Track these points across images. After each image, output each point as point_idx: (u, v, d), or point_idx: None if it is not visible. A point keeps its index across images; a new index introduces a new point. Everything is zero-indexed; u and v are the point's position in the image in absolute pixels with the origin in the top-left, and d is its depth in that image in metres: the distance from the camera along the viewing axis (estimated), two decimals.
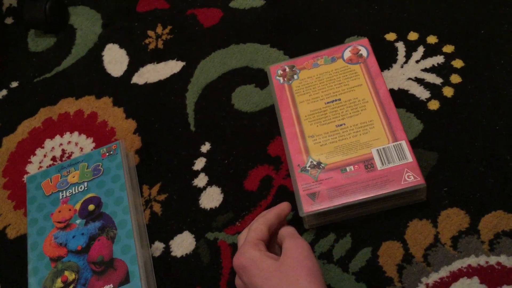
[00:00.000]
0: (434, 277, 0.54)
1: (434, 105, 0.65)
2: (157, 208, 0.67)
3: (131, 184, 0.66)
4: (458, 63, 0.68)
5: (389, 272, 0.56)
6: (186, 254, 0.62)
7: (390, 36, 0.72)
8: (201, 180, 0.67)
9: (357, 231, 0.59)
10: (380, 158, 0.58)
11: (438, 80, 0.67)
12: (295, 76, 0.68)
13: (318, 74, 0.67)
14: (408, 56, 0.70)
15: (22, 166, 0.76)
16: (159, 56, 0.81)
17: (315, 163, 0.60)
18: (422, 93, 0.66)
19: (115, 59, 0.83)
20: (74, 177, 0.67)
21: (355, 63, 0.67)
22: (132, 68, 0.81)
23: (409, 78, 0.68)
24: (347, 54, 0.68)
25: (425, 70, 0.68)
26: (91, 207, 0.64)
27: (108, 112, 0.77)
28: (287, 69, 0.69)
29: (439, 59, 0.69)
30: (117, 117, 0.76)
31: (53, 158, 0.75)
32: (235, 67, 0.76)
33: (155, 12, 0.87)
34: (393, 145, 0.58)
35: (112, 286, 0.58)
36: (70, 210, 0.64)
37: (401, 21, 0.73)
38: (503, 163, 0.59)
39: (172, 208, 0.66)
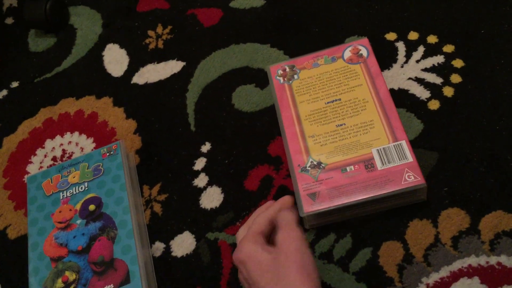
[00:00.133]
0: (434, 277, 0.54)
1: (434, 105, 0.65)
2: (157, 208, 0.67)
3: (132, 184, 0.66)
4: (458, 63, 0.68)
5: (389, 272, 0.56)
6: (187, 254, 0.63)
7: (390, 36, 0.72)
8: (201, 180, 0.67)
9: (357, 231, 0.59)
10: (381, 158, 0.58)
11: (438, 80, 0.67)
12: (295, 76, 0.68)
13: (318, 74, 0.67)
14: (408, 56, 0.70)
15: (22, 166, 0.76)
16: (159, 56, 0.81)
17: (315, 163, 0.60)
18: (422, 93, 0.66)
19: (115, 59, 0.83)
20: (74, 177, 0.67)
21: (355, 63, 0.67)
22: (133, 68, 0.81)
23: (409, 78, 0.68)
24: (347, 54, 0.68)
25: (425, 70, 0.68)
26: (91, 207, 0.64)
27: (109, 112, 0.77)
28: (287, 69, 0.69)
29: (439, 59, 0.69)
30: (117, 117, 0.76)
31: (54, 158, 0.75)
32: (235, 67, 0.76)
33: (155, 12, 0.87)
34: (393, 145, 0.58)
35: (112, 286, 0.58)
36: (70, 210, 0.64)
37: (401, 21, 0.73)
38: (504, 163, 0.59)
39: (172, 208, 0.66)
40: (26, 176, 0.73)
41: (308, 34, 0.77)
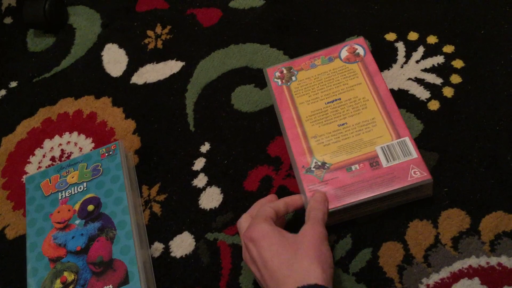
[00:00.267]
0: (434, 278, 0.54)
1: (434, 105, 0.65)
2: (156, 208, 0.67)
3: (131, 185, 0.66)
4: (458, 63, 0.68)
5: (389, 273, 0.55)
6: (186, 254, 0.62)
7: (390, 36, 0.72)
8: (200, 181, 0.67)
9: (357, 232, 0.59)
10: (385, 155, 0.58)
11: (438, 80, 0.67)
12: (293, 78, 0.68)
13: (317, 75, 0.67)
14: (408, 56, 0.70)
15: (21, 167, 0.75)
16: (158, 56, 0.81)
17: (319, 163, 0.59)
18: (422, 93, 0.66)
19: (114, 59, 0.83)
20: (73, 177, 0.67)
21: (353, 62, 0.67)
22: (132, 68, 0.81)
23: (409, 78, 0.68)
24: (344, 53, 0.68)
25: (425, 70, 0.68)
26: (90, 207, 0.64)
27: (108, 112, 0.77)
28: (285, 71, 0.69)
29: (439, 59, 0.68)
30: (116, 117, 0.76)
31: (52, 158, 0.75)
32: (235, 67, 0.76)
33: (155, 12, 0.87)
34: (397, 142, 0.58)
35: (111, 287, 0.58)
36: (69, 210, 0.64)
37: (401, 21, 0.73)
38: (504, 163, 0.59)
39: (171, 208, 0.66)
40: (24, 176, 0.73)
41: (307, 34, 0.76)
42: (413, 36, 0.71)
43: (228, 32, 0.80)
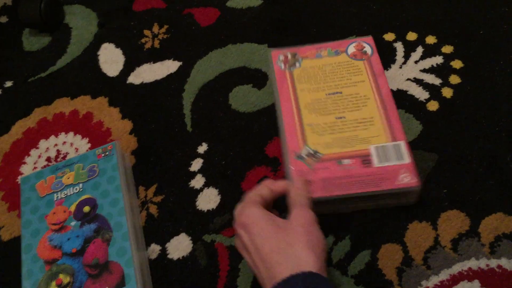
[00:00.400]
0: (434, 280, 0.54)
1: (433, 106, 0.65)
2: (153, 209, 0.66)
3: (127, 186, 0.65)
4: (457, 64, 0.67)
5: (388, 275, 0.55)
6: (183, 256, 0.62)
7: (389, 36, 0.72)
8: (198, 182, 0.67)
9: (356, 234, 0.58)
10: (378, 155, 0.57)
11: (437, 81, 0.66)
12: (297, 64, 0.67)
13: (321, 65, 0.67)
14: (407, 57, 0.69)
15: (16, 167, 0.75)
16: (155, 56, 0.80)
17: (311, 151, 0.59)
18: (421, 94, 0.66)
19: (111, 59, 0.82)
20: (69, 178, 0.66)
21: (359, 59, 0.66)
22: (128, 68, 0.80)
23: (408, 79, 0.68)
24: (351, 49, 0.67)
25: (424, 70, 0.68)
26: (86, 208, 0.63)
27: (104, 112, 0.76)
28: (289, 56, 0.68)
29: (438, 60, 0.68)
30: (113, 117, 0.75)
31: (48, 159, 0.74)
32: (232, 67, 0.76)
33: (152, 11, 0.86)
34: (392, 145, 0.58)
35: None
36: (65, 212, 0.63)
37: (399, 21, 0.73)
38: (503, 164, 0.59)
39: (168, 209, 0.65)
40: (19, 177, 0.72)
41: (306, 34, 0.76)
42: (412, 36, 0.71)
43: (225, 32, 0.80)
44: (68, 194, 0.65)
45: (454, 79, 0.66)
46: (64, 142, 0.75)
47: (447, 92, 0.65)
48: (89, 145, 0.74)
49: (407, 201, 0.58)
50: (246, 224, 0.48)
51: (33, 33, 0.90)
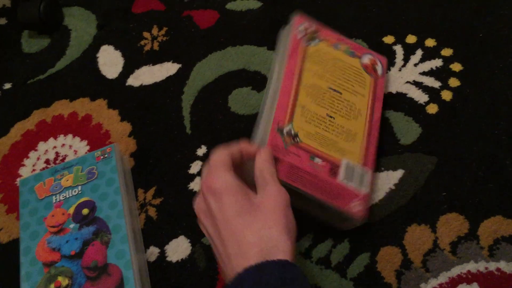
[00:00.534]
0: (433, 283, 0.54)
1: (432, 108, 0.65)
2: (152, 212, 0.66)
3: (126, 188, 0.65)
4: (456, 67, 0.67)
5: (387, 278, 0.55)
6: (182, 259, 0.62)
7: (388, 39, 0.72)
8: (197, 184, 0.66)
9: (355, 236, 0.58)
10: (346, 171, 0.56)
11: (436, 84, 0.66)
12: (314, 42, 0.64)
13: (335, 57, 0.64)
14: (406, 60, 0.70)
15: (15, 169, 0.74)
16: (154, 58, 0.80)
17: (293, 133, 0.56)
18: (420, 97, 0.66)
19: (110, 61, 0.82)
20: (68, 180, 0.66)
21: (369, 73, 0.65)
22: (127, 70, 0.80)
23: (408, 82, 0.68)
24: (366, 60, 0.66)
25: (424, 73, 0.68)
26: (85, 211, 0.63)
27: (103, 114, 0.76)
28: (310, 30, 0.65)
29: (437, 63, 0.68)
30: (112, 120, 0.75)
31: (47, 161, 0.74)
32: (232, 70, 0.76)
33: (151, 13, 0.86)
34: (361, 169, 0.57)
35: None
36: (63, 214, 0.63)
37: (399, 24, 0.73)
38: (503, 167, 0.59)
39: (167, 212, 0.65)
40: (18, 179, 0.72)
41: None
42: (411, 39, 0.71)
43: (225, 34, 0.80)
44: (67, 196, 0.65)
45: (454, 82, 0.66)
46: (63, 145, 0.75)
47: (446, 95, 0.65)
48: (88, 147, 0.74)
49: (344, 225, 0.57)
50: (218, 191, 0.43)
51: (32, 35, 0.90)
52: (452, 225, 0.56)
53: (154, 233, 0.64)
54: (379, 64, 0.66)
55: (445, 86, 0.66)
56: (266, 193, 0.45)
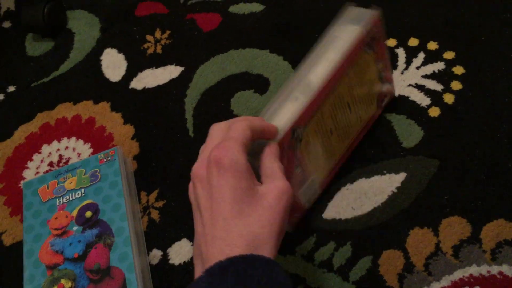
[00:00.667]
0: (435, 287, 0.53)
1: (434, 112, 0.65)
2: (155, 215, 0.66)
3: (129, 191, 0.65)
4: (459, 70, 0.67)
5: (389, 281, 0.55)
6: (184, 262, 0.62)
7: (390, 42, 0.72)
8: None
9: (357, 240, 0.58)
10: (308, 186, 0.57)
11: (438, 87, 0.66)
12: (368, 50, 0.56)
13: (370, 76, 0.59)
14: (408, 63, 0.70)
15: (18, 172, 0.75)
16: (157, 61, 0.81)
17: (300, 137, 0.51)
18: (422, 100, 0.66)
19: (113, 64, 0.83)
20: (71, 183, 0.66)
21: (377, 102, 0.63)
22: (131, 73, 0.81)
23: (410, 85, 0.68)
24: (384, 88, 0.63)
25: (426, 76, 0.68)
26: (88, 214, 0.63)
27: (106, 117, 0.77)
28: (376, 36, 0.56)
29: (439, 66, 0.68)
30: (115, 123, 0.76)
31: (50, 164, 0.74)
32: (234, 73, 0.76)
33: (154, 16, 0.86)
34: (316, 188, 0.59)
35: None
36: (67, 217, 0.63)
37: (401, 27, 0.73)
38: (505, 170, 0.59)
39: (170, 215, 0.66)
40: (22, 182, 0.72)
41: (308, 39, 0.76)
42: (413, 42, 0.71)
43: (227, 37, 0.80)
44: (70, 199, 0.65)
45: (456, 85, 0.66)
46: (67, 147, 0.75)
47: (448, 98, 0.65)
48: (91, 150, 0.74)
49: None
50: (225, 167, 0.40)
51: (36, 38, 0.90)
52: (454, 228, 0.56)
53: (156, 236, 0.64)
54: (385, 100, 0.65)
55: (448, 89, 0.66)
56: (271, 186, 0.42)
